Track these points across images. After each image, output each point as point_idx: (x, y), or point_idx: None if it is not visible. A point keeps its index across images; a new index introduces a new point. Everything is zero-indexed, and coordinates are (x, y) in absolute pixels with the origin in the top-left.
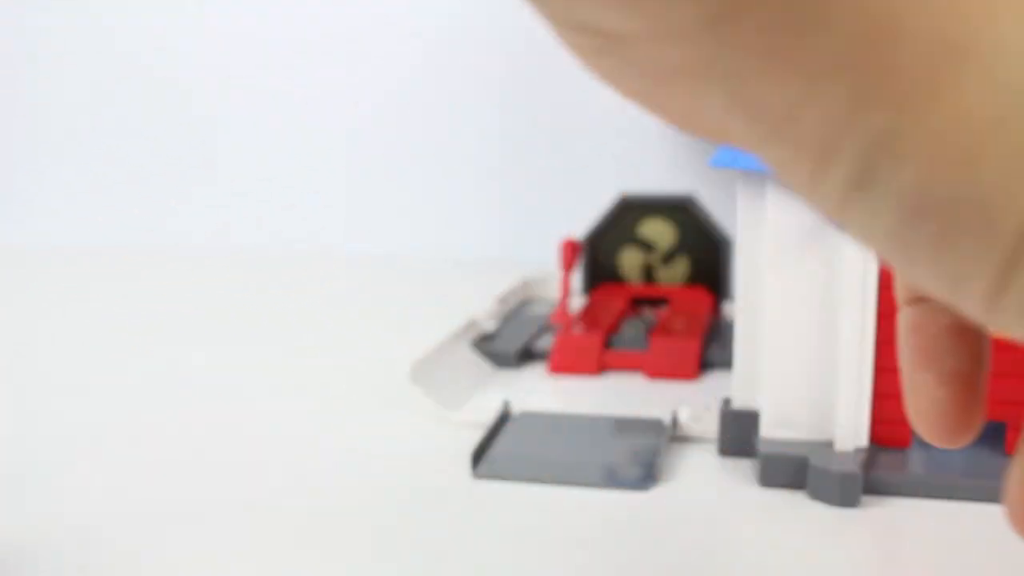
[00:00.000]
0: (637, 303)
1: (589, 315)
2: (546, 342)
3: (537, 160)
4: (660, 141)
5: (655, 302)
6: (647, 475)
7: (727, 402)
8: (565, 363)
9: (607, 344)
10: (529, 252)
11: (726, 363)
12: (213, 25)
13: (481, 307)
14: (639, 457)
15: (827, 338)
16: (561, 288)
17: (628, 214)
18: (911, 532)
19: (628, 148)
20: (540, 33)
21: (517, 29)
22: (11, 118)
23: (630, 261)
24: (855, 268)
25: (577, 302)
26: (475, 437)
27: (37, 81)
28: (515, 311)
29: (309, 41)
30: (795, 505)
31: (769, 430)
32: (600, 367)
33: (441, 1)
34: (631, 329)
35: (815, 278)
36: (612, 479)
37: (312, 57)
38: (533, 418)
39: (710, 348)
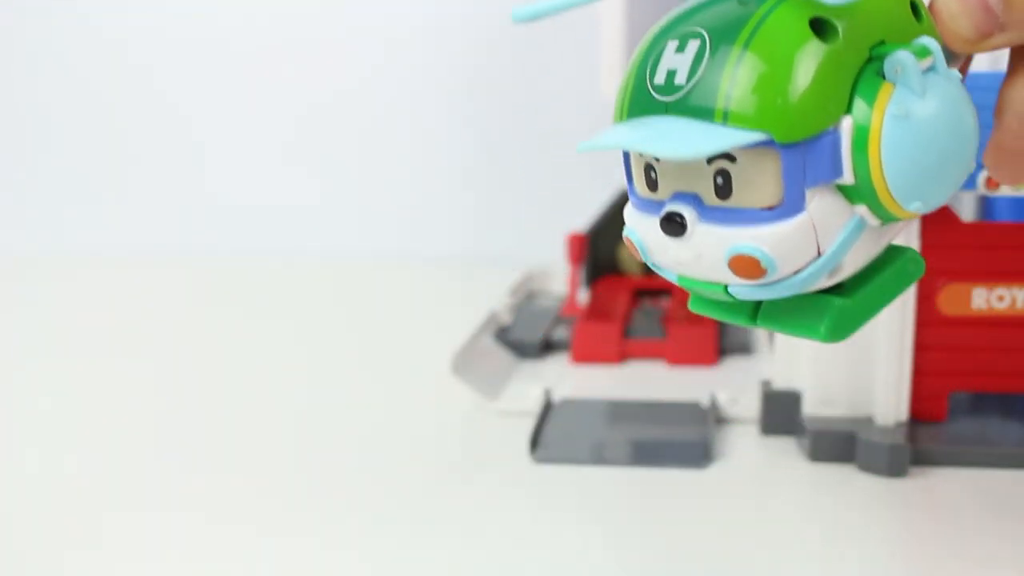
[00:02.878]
0: (638, 294)
1: (598, 307)
2: (561, 333)
3: (531, 158)
4: None
5: (655, 293)
6: (704, 454)
7: (767, 384)
8: (587, 352)
9: (625, 334)
10: (523, 249)
11: (738, 348)
12: (182, 29)
13: (499, 301)
14: (690, 437)
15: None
16: (569, 282)
17: None
18: (958, 498)
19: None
20: (538, 30)
21: (515, 26)
22: None
23: (630, 254)
24: None
25: (582, 295)
26: (517, 424)
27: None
28: (524, 304)
29: (306, 44)
30: (846, 476)
31: (812, 409)
32: (621, 356)
33: None
34: (643, 319)
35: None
36: (670, 458)
37: (311, 59)
38: (575, 404)
39: (722, 335)
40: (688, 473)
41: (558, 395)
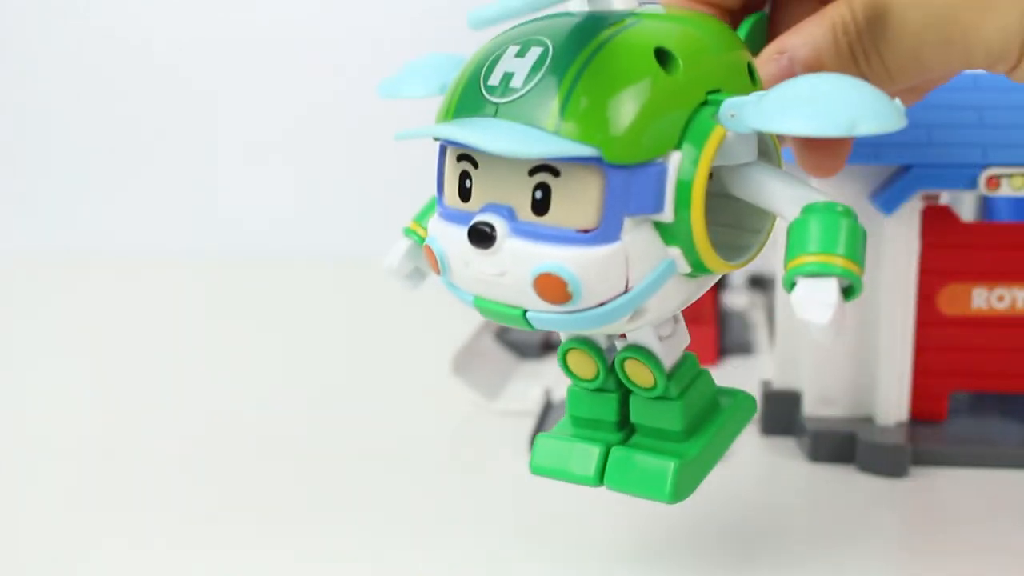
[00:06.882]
0: None
1: None
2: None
3: None
4: None
5: None
6: None
7: (768, 384)
8: None
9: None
10: None
11: (738, 348)
12: (181, 30)
13: None
14: None
15: (869, 321)
16: None
17: None
18: (957, 498)
19: None
20: None
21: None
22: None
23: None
24: (896, 253)
25: None
26: (517, 424)
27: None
28: None
29: (305, 45)
30: (845, 477)
31: (812, 409)
32: None
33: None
34: None
35: None
36: None
37: (310, 60)
38: None
39: (722, 335)
40: None
41: (558, 395)
